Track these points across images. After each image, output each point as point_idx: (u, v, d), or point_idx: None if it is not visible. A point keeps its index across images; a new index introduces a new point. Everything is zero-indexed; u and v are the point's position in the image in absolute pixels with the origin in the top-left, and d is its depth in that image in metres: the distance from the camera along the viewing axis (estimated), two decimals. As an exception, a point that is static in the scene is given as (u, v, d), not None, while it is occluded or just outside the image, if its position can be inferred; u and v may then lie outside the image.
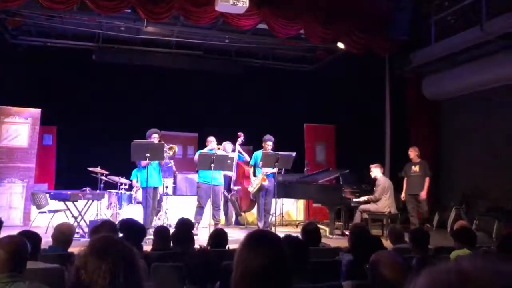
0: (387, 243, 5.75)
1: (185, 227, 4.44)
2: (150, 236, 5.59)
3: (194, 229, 7.89)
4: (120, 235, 3.76)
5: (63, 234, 3.84)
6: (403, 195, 8.60)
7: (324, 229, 8.29)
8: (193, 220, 7.72)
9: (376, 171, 8.29)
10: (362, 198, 8.28)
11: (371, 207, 8.07)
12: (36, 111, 9.17)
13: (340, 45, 9.61)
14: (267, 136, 8.16)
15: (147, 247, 4.72)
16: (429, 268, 0.78)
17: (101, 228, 3.73)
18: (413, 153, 8.72)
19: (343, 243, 5.41)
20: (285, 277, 1.62)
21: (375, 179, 8.26)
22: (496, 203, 8.55)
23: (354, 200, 8.31)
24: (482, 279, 0.71)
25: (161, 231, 4.47)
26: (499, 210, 8.27)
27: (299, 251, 2.98)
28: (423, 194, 8.37)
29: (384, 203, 8.00)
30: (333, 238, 7.65)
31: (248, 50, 11.45)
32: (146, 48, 10.95)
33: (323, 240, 6.07)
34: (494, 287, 0.70)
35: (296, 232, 5.50)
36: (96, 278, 1.38)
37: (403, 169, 8.81)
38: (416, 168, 8.59)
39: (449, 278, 0.73)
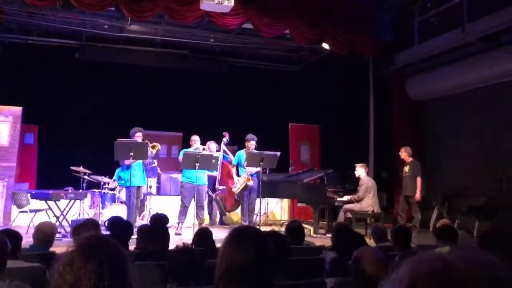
0: (370, 241, 5.81)
1: (160, 223, 4.41)
2: (134, 236, 5.55)
3: (178, 228, 7.88)
4: (107, 233, 3.72)
5: (44, 233, 3.78)
6: (417, 197, 8.48)
7: (308, 228, 8.31)
8: (176, 220, 7.72)
9: (360, 171, 8.33)
10: (345, 198, 8.33)
11: (355, 206, 8.12)
12: (17, 109, 9.02)
13: (325, 45, 9.66)
14: (250, 136, 8.15)
15: (131, 246, 4.68)
16: (411, 257, 0.79)
17: (83, 227, 3.69)
18: (403, 153, 8.70)
19: (327, 242, 5.43)
20: (268, 272, 1.62)
21: (358, 178, 8.31)
22: (477, 202, 8.68)
23: (338, 199, 8.35)
24: (464, 267, 0.72)
25: (144, 230, 4.43)
26: (480, 209, 8.39)
27: (281, 247, 2.99)
28: (417, 196, 8.43)
29: (368, 202, 8.06)
30: (317, 237, 7.68)
31: (233, 50, 11.44)
32: (130, 47, 10.85)
33: (308, 239, 6.11)
34: (475, 274, 0.71)
35: (280, 231, 5.50)
36: (81, 277, 1.35)
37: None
38: (406, 169, 8.62)
39: (431, 266, 0.74)
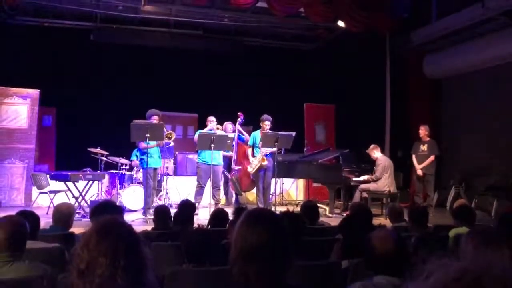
0: (386, 221, 5.80)
1: (187, 208, 4.48)
2: (151, 216, 5.63)
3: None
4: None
5: (62, 214, 3.85)
6: (419, 172, 8.56)
7: (324, 208, 8.33)
8: (193, 200, 7.78)
9: (375, 153, 8.26)
10: (362, 177, 8.29)
11: (371, 186, 8.09)
12: (35, 92, 9.12)
13: (341, 23, 9.50)
14: (265, 116, 8.13)
15: (148, 226, 4.77)
16: (442, 265, 0.77)
17: (101, 208, 3.73)
18: (423, 131, 8.64)
19: (343, 222, 5.43)
20: (284, 254, 1.62)
21: (375, 159, 8.25)
22: (495, 182, 8.57)
23: (353, 179, 8.33)
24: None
25: (161, 210, 4.50)
26: (498, 189, 8.29)
27: (297, 226, 3.00)
28: (419, 172, 8.43)
29: (384, 182, 8.02)
30: (333, 217, 7.69)
31: (247, 29, 11.31)
32: (145, 27, 10.82)
33: (323, 219, 6.12)
34: None
35: (295, 211, 5.53)
36: (97, 255, 1.38)
37: (412, 147, 8.81)
38: (424, 147, 8.58)
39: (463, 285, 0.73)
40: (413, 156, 8.73)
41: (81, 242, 1.42)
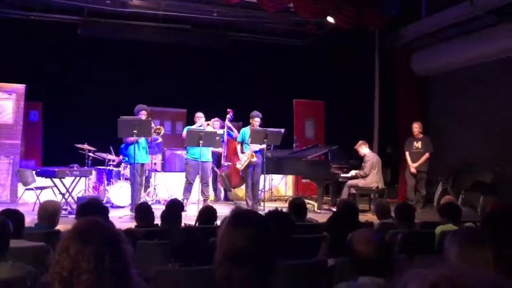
0: (373, 217, 5.83)
1: (175, 207, 4.46)
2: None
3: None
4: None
5: (48, 212, 3.81)
6: (413, 170, 8.57)
7: (312, 204, 8.36)
8: (181, 197, 7.76)
9: (363, 149, 8.28)
10: (350, 174, 8.33)
11: (359, 182, 8.12)
12: (21, 87, 8.98)
13: (330, 19, 9.50)
14: (255, 112, 8.11)
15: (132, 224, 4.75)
16: (418, 272, 0.78)
17: (87, 207, 3.70)
18: (417, 128, 8.65)
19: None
20: (269, 255, 1.61)
21: (363, 156, 8.28)
22: (481, 178, 8.65)
23: (342, 175, 8.36)
24: None
25: (142, 208, 4.48)
26: (485, 185, 8.37)
27: (285, 225, 3.00)
28: (413, 170, 8.46)
29: (372, 178, 8.06)
30: (321, 213, 7.72)
31: (236, 24, 11.28)
32: (133, 22, 10.72)
33: (311, 215, 6.14)
34: None
35: (284, 207, 5.54)
36: (79, 261, 1.35)
37: (404, 144, 8.83)
38: (418, 144, 8.61)
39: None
40: (407, 153, 8.75)
41: (59, 248, 1.38)
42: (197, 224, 4.39)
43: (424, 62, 10.09)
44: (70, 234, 1.41)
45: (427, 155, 8.51)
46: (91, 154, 8.38)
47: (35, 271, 2.44)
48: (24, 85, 9.00)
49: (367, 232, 2.25)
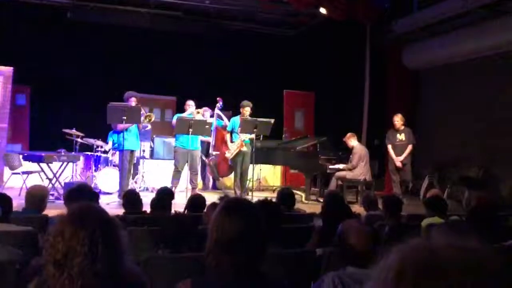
0: (361, 209, 5.89)
1: (165, 195, 4.47)
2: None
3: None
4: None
5: (35, 197, 3.79)
6: (398, 163, 8.46)
7: (300, 195, 8.41)
8: (170, 184, 7.75)
9: (351, 142, 8.29)
10: (338, 165, 8.37)
11: (347, 174, 8.18)
12: (8, 69, 8.83)
13: (322, 10, 9.48)
14: (245, 102, 8.09)
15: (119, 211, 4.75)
16: (400, 244, 0.79)
17: (76, 192, 3.68)
18: (398, 122, 8.58)
19: (318, 208, 5.49)
20: (259, 244, 1.63)
21: (352, 148, 8.32)
22: (467, 172, 8.77)
23: (330, 167, 8.41)
24: (450, 256, 0.73)
25: (130, 194, 4.48)
26: (470, 179, 8.49)
27: (273, 215, 3.02)
28: (398, 164, 8.41)
29: (360, 171, 8.11)
30: (308, 204, 7.77)
31: (228, 13, 11.19)
32: (123, 7, 10.57)
33: (299, 205, 6.19)
34: (461, 264, 0.72)
35: (272, 197, 5.56)
36: (74, 245, 1.36)
37: (386, 136, 8.71)
38: (401, 137, 8.50)
39: (418, 255, 0.75)
40: (389, 146, 8.63)
41: (54, 231, 1.39)
42: (186, 212, 4.41)
43: (415, 56, 10.14)
44: (66, 218, 1.42)
45: (410, 147, 8.42)
46: (79, 139, 8.31)
47: (23, 254, 2.43)
48: (12, 67, 8.86)
49: (358, 224, 2.28)
